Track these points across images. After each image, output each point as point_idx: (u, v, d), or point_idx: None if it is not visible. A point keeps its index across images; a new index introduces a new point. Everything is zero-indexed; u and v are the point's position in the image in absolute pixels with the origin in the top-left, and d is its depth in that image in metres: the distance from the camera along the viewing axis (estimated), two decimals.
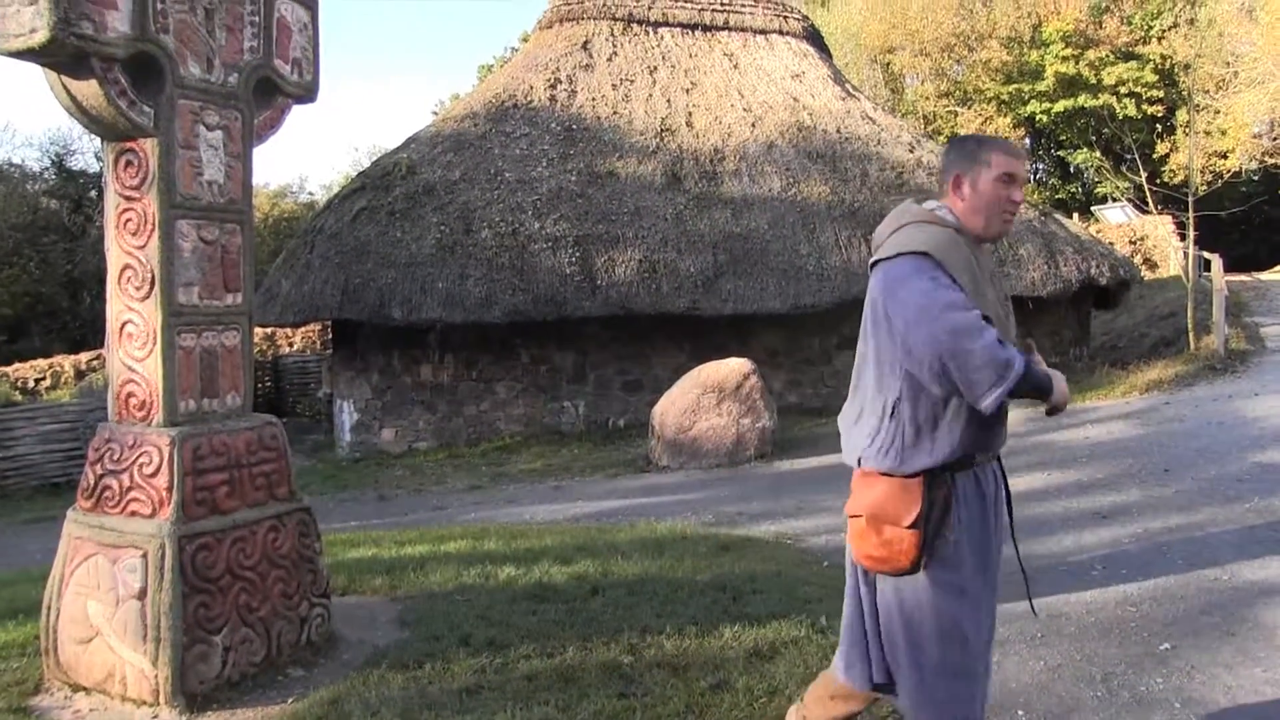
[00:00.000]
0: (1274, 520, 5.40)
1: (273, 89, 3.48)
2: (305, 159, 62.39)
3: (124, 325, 3.18)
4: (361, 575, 4.54)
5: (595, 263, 11.73)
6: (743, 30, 15.61)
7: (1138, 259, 20.96)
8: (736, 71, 14.96)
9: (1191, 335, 13.62)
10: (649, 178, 12.86)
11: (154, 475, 3.08)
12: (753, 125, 13.98)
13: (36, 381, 16.57)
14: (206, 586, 3.09)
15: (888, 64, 29.62)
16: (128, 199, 3.13)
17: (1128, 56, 27.01)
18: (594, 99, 13.92)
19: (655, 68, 14.63)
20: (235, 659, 3.16)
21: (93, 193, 23.93)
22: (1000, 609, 2.41)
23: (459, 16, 75.95)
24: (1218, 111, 22.34)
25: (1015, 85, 27.60)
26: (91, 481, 3.20)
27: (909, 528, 2.12)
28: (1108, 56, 26.82)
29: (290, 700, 3.11)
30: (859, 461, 2.26)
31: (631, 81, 14.30)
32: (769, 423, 9.58)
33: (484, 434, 12.24)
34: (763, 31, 15.70)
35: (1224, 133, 22.80)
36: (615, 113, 13.77)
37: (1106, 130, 27.34)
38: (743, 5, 15.66)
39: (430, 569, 4.66)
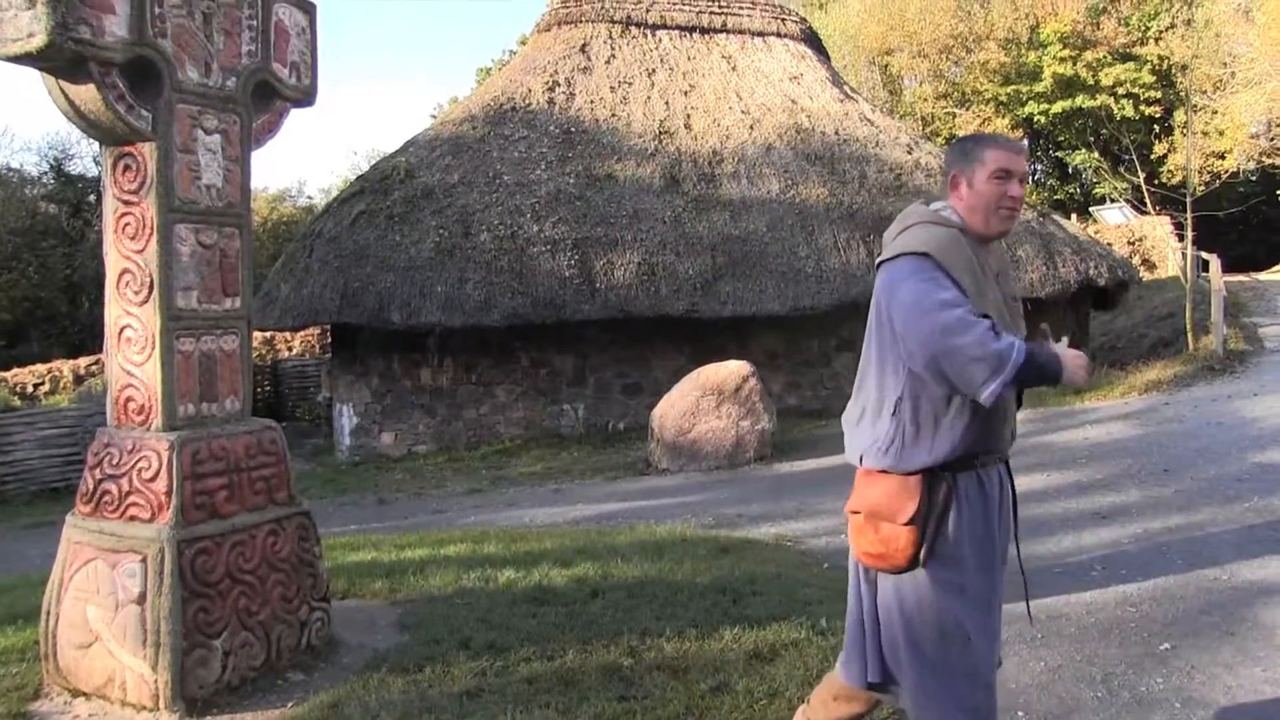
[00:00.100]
0: (1273, 520, 5.40)
1: (271, 93, 3.48)
2: (304, 163, 62.48)
3: (122, 330, 3.18)
4: (361, 579, 4.54)
5: (594, 265, 11.74)
6: (741, 33, 15.62)
7: (1136, 260, 20.97)
8: (734, 74, 14.97)
9: (1190, 336, 13.64)
10: (647, 180, 12.87)
11: (153, 480, 3.08)
12: (751, 127, 13.99)
13: (35, 387, 16.57)
14: (206, 591, 3.08)
15: (886, 66, 29.66)
16: (126, 203, 3.13)
17: (1125, 57, 27.06)
18: (592, 102, 13.93)
19: (653, 70, 14.64)
20: (235, 663, 3.16)
21: (91, 197, 23.93)
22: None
23: (457, 19, 76.10)
24: (1215, 112, 22.38)
25: (1013, 86, 27.64)
26: (90, 486, 3.19)
27: (906, 524, 2.14)
28: (1105, 57, 26.87)
29: (290, 704, 3.11)
30: (860, 459, 2.28)
31: (630, 84, 14.31)
32: (768, 425, 9.58)
33: (484, 437, 12.24)
34: (761, 34, 15.71)
35: (1221, 133, 22.83)
36: (613, 115, 13.78)
37: (1104, 131, 27.39)
38: (740, 8, 15.67)
39: (430, 572, 4.65)
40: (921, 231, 2.22)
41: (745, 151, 13.58)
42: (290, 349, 20.06)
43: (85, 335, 21.49)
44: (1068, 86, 26.87)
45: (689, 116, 14.02)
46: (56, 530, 3.33)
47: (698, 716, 2.96)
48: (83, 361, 17.44)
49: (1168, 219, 23.15)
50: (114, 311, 3.20)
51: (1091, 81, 26.63)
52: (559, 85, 14.05)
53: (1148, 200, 23.37)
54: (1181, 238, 18.99)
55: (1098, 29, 27.46)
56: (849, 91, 16.03)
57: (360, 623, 3.86)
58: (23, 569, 6.54)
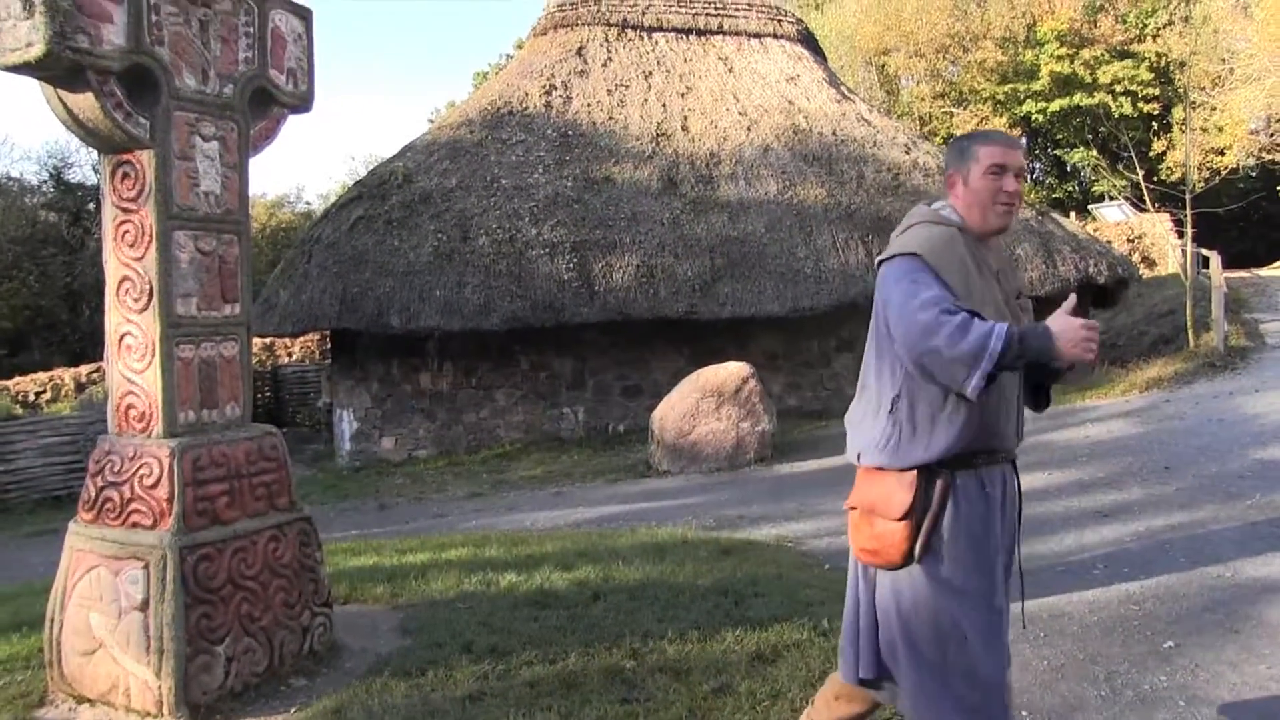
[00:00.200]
0: (1276, 517, 5.39)
1: (268, 99, 3.49)
2: (302, 169, 62.55)
3: (123, 337, 3.19)
4: (363, 584, 4.54)
5: (593, 268, 11.74)
6: (737, 34, 15.62)
7: (1136, 257, 20.96)
8: (731, 75, 14.97)
9: (1191, 332, 13.62)
10: (645, 183, 12.88)
11: (154, 486, 3.08)
12: (748, 129, 13.99)
13: (37, 395, 16.60)
14: (208, 597, 3.09)
15: (883, 66, 29.65)
16: (125, 211, 3.14)
17: (1123, 55, 27.06)
18: (589, 105, 13.94)
19: (650, 73, 14.65)
20: (238, 669, 3.16)
21: (91, 205, 23.94)
22: None
23: (454, 23, 76.16)
24: (1214, 108, 22.36)
25: (1010, 85, 27.63)
26: (92, 494, 3.20)
27: (900, 519, 2.15)
28: (1103, 55, 26.86)
29: (293, 710, 3.11)
30: (859, 457, 2.31)
31: (627, 87, 14.32)
32: (768, 426, 9.58)
33: (484, 441, 12.24)
34: (757, 35, 15.71)
35: (1221, 129, 22.81)
36: (611, 118, 13.79)
37: (1103, 129, 27.38)
38: (736, 9, 15.68)
39: (432, 576, 4.66)
40: (919, 231, 2.24)
41: (743, 153, 13.59)
42: (290, 355, 20.07)
43: (86, 343, 21.51)
44: (1065, 84, 26.86)
45: (686, 118, 14.02)
46: (59, 538, 3.34)
47: (700, 718, 2.96)
48: (84, 369, 17.47)
49: (1167, 216, 23.12)
50: (114, 319, 3.21)
51: (1089, 79, 26.63)
52: (556, 89, 14.06)
53: (1147, 197, 23.35)
54: (1181, 234, 18.98)
55: (1095, 27, 27.46)
56: (846, 92, 16.04)
57: (362, 627, 3.87)
58: (26, 577, 6.54)
